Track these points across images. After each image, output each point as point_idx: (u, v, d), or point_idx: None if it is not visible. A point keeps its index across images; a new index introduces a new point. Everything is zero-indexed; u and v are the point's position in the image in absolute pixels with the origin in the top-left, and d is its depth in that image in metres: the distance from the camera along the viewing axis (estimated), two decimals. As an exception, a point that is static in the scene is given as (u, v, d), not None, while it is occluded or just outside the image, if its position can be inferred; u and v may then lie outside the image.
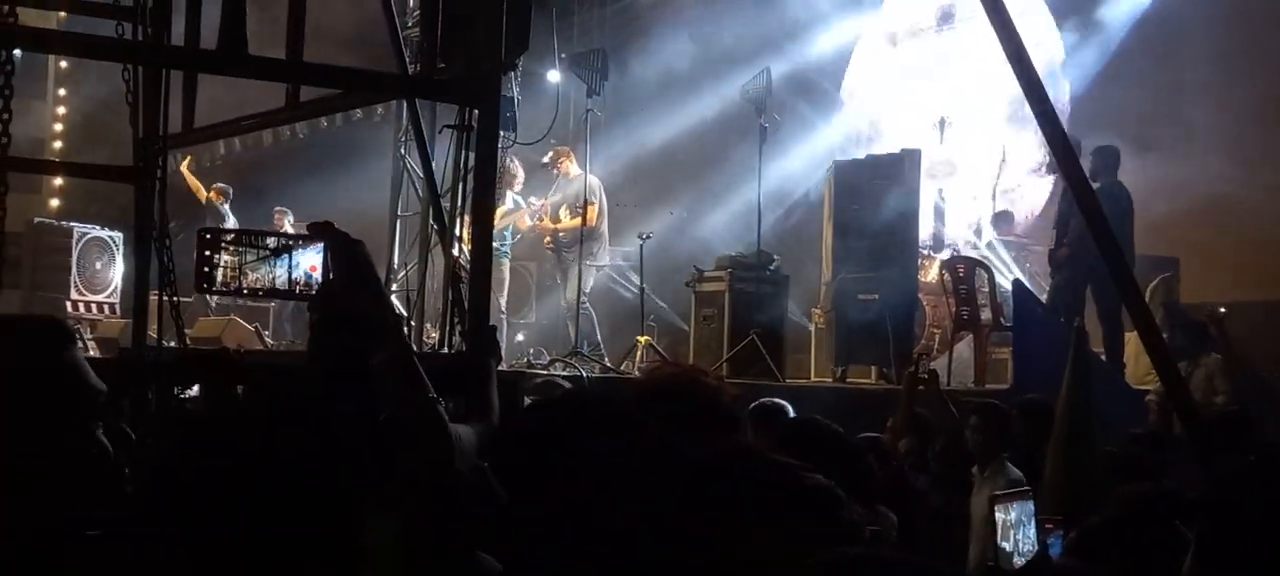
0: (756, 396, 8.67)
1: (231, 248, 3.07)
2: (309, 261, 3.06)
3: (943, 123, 16.62)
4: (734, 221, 15.39)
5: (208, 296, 16.26)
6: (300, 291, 3.07)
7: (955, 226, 15.60)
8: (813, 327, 13.54)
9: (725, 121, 16.05)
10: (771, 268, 12.49)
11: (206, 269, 3.04)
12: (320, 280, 3.04)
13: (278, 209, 16.64)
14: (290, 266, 3.05)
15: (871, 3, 17.60)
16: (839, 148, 16.41)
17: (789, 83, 15.68)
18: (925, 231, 13.94)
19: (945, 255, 14.05)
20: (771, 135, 13.42)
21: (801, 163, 16.26)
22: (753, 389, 9.91)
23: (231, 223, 15.83)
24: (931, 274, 14.03)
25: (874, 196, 12.12)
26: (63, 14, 9.65)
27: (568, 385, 8.16)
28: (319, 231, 3.02)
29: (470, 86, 4.94)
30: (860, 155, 14.31)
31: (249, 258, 3.07)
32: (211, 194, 16.95)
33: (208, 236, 3.05)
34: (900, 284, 12.07)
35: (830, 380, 12.25)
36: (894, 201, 11.99)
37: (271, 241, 3.08)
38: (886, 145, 15.30)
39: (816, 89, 17.20)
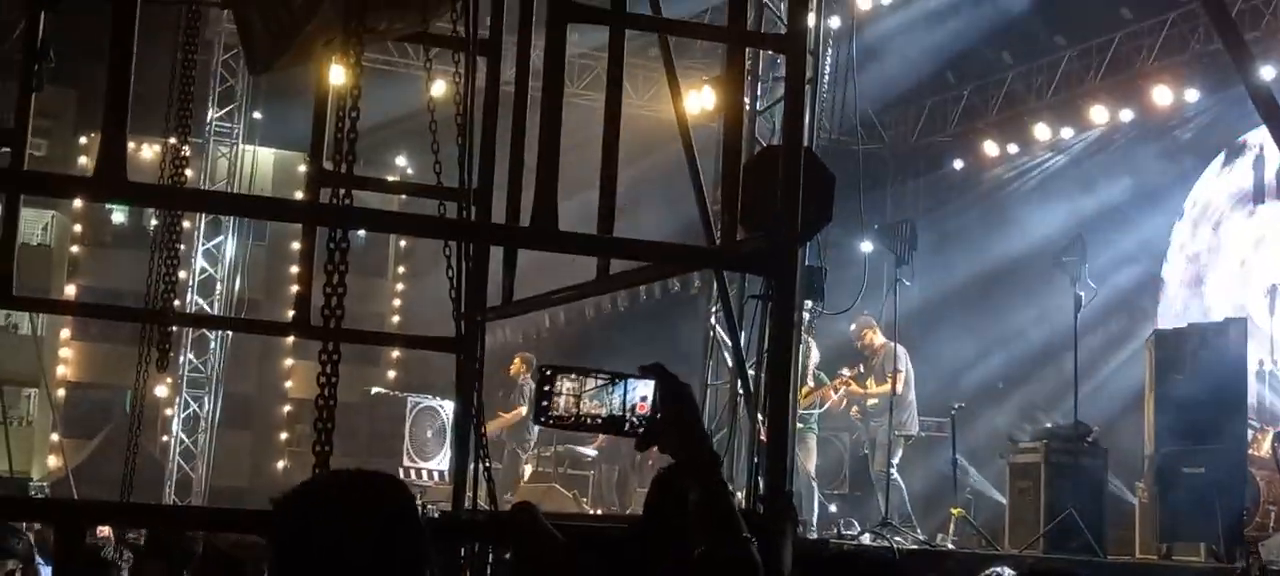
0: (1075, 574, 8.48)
1: (569, 376, 3.25)
2: (641, 395, 3.20)
3: (1274, 290, 15.91)
4: (1047, 391, 15.06)
5: (523, 464, 16.87)
6: (629, 427, 3.21)
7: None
8: (1136, 502, 13.05)
9: (1039, 290, 15.80)
10: (1089, 439, 12.15)
11: (545, 402, 3.22)
12: (648, 417, 3.17)
13: (521, 354, 17.16)
14: (624, 397, 3.20)
15: (1193, 175, 17.11)
16: (1160, 318, 15.91)
17: (1107, 252, 15.37)
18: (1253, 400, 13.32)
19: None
20: (1086, 304, 13.13)
21: (1119, 332, 15.83)
22: (1071, 566, 9.67)
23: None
24: (1264, 448, 13.33)
25: (1197, 366, 11.71)
26: (402, 197, 10.38)
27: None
28: (651, 370, 3.18)
29: (767, 258, 5.10)
30: (1182, 325, 13.84)
31: (587, 386, 3.25)
32: (517, 363, 17.40)
33: (547, 371, 3.24)
34: (1229, 458, 11.56)
35: (1156, 558, 11.76)
36: (1219, 372, 11.55)
37: (606, 376, 3.24)
38: (1212, 315, 14.76)
39: (1135, 258, 16.76)
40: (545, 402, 3.18)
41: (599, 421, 3.20)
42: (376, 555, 2.56)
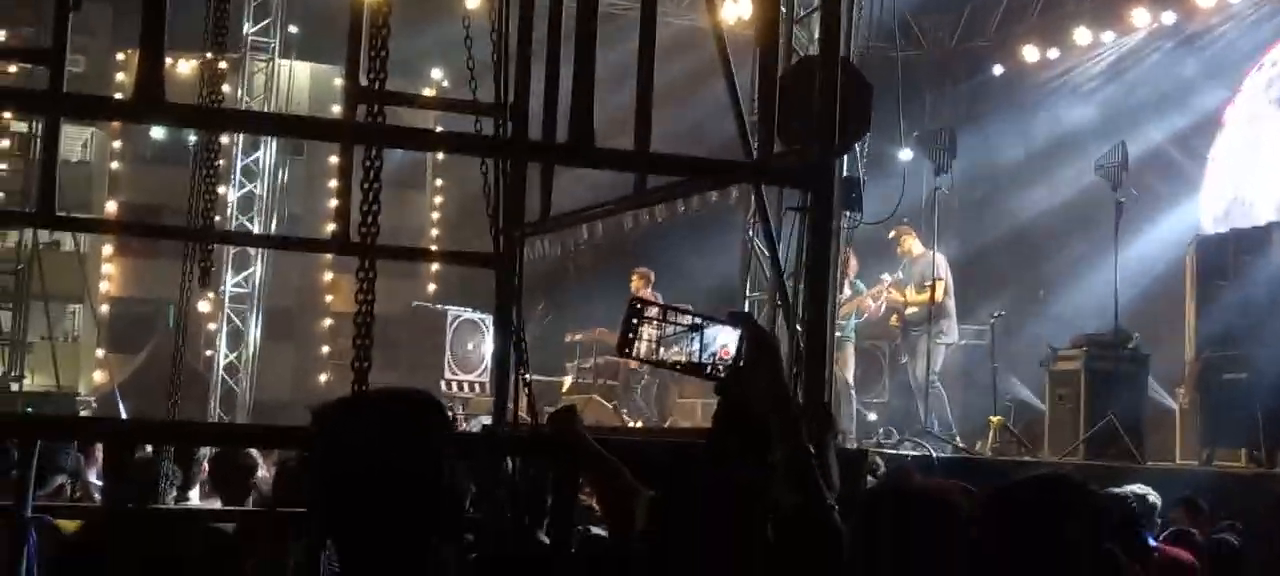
0: (1115, 479, 8.48)
1: (655, 322, 3.24)
2: (723, 342, 3.19)
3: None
4: (1091, 299, 14.99)
5: (567, 375, 16.97)
6: (712, 370, 3.19)
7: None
8: (1177, 408, 13.02)
9: (1079, 197, 15.70)
10: (1130, 346, 12.11)
11: (630, 335, 3.21)
12: (731, 363, 3.14)
13: (638, 270, 17.13)
14: (703, 344, 3.19)
15: (1234, 76, 16.89)
16: (1200, 222, 15.78)
17: (1146, 156, 15.23)
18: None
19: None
20: (1129, 210, 13.03)
21: (1161, 238, 15.71)
22: (1110, 472, 9.69)
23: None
24: (1307, 352, 13.26)
25: (1240, 271, 11.64)
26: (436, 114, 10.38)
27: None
28: (739, 318, 3.16)
29: (804, 171, 5.09)
30: (1225, 229, 13.73)
31: (669, 331, 3.24)
32: (635, 280, 17.24)
33: (637, 305, 3.23)
34: (1270, 363, 11.48)
35: (1197, 463, 11.75)
36: (1261, 277, 11.47)
37: (690, 319, 3.22)
38: (1255, 219, 14.62)
39: (1175, 163, 16.60)
40: (630, 335, 3.18)
41: (680, 365, 3.19)
42: (407, 466, 2.63)
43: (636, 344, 3.21)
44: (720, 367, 3.14)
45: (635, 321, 3.18)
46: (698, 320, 3.20)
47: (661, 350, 3.23)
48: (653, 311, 3.24)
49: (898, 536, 3.22)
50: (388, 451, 2.63)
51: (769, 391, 3.07)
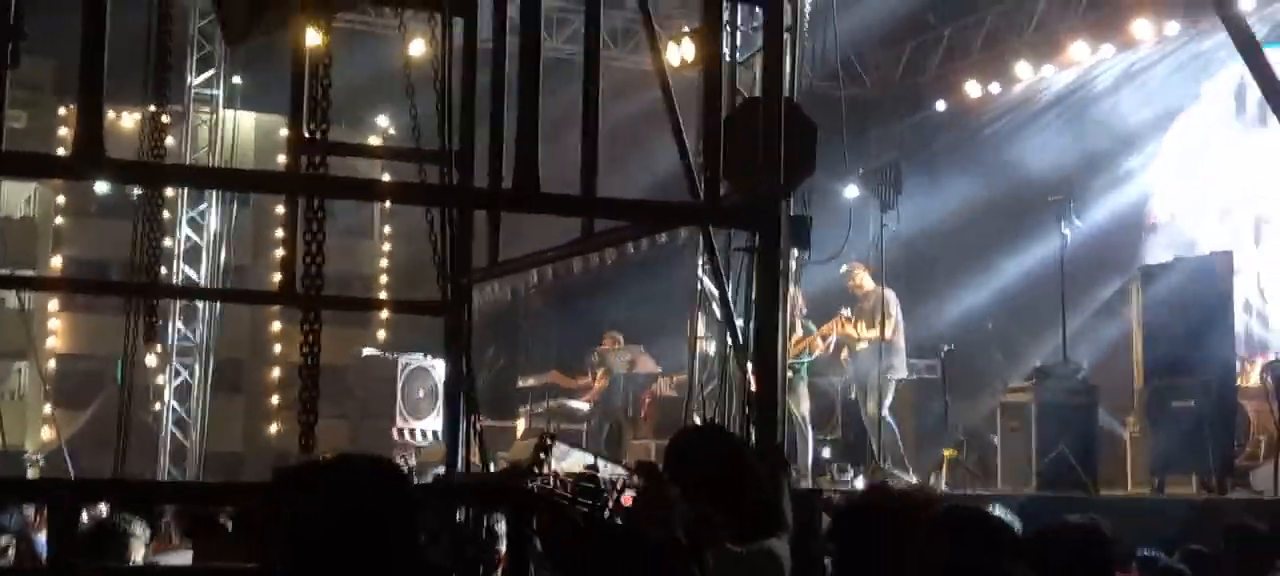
0: (1069, 508, 8.52)
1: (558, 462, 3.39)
2: (628, 488, 3.31)
3: (1259, 223, 15.93)
4: (1038, 331, 15.08)
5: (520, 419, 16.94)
6: (605, 506, 3.33)
7: (1277, 326, 14.88)
8: (1127, 436, 13.11)
9: (1025, 230, 15.81)
10: (1080, 376, 12.20)
11: (536, 469, 3.35)
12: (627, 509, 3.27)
13: (609, 333, 17.14)
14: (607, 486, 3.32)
15: (1174, 106, 17.10)
16: (1145, 251, 15.94)
17: (1092, 189, 15.38)
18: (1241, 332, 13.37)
19: (1271, 357, 13.40)
20: (1073, 241, 13.15)
21: (1106, 267, 15.85)
22: (1064, 502, 9.73)
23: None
24: (1253, 378, 13.40)
25: (1184, 300, 11.75)
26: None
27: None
28: (644, 472, 3.28)
29: (752, 213, 5.11)
30: (1168, 259, 13.87)
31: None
32: (606, 342, 17.29)
33: (547, 441, 3.37)
34: (1218, 390, 11.61)
35: (1148, 491, 11.82)
36: (1206, 305, 11.58)
37: (602, 469, 3.36)
38: (1198, 248, 14.78)
39: (1118, 194, 16.77)
40: (537, 469, 3.30)
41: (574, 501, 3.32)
42: (369, 534, 2.65)
43: (545, 467, 3.35)
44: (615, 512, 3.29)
45: (543, 455, 3.33)
46: (606, 477, 3.35)
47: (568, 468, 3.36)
48: (562, 449, 3.39)
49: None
50: (354, 520, 2.65)
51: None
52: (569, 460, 3.34)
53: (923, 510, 3.70)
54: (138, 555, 6.47)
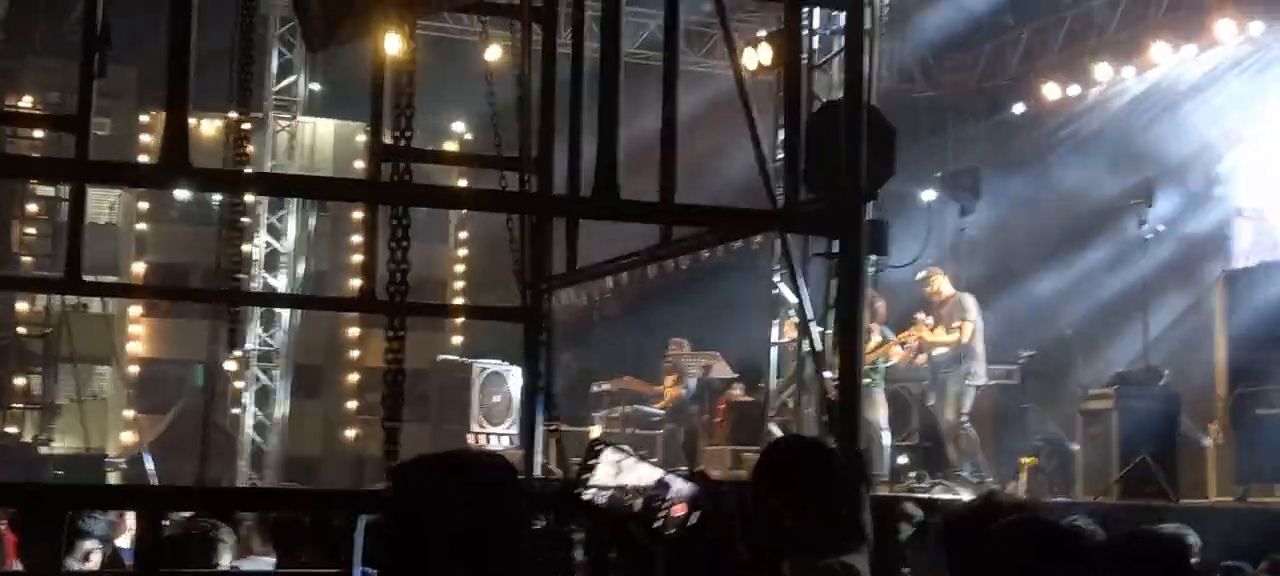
0: (1150, 517, 8.40)
1: (615, 466, 3.32)
2: (681, 497, 3.24)
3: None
4: (1119, 337, 14.89)
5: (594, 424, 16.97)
6: (655, 525, 3.27)
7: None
8: (1209, 444, 12.90)
9: (1105, 234, 15.62)
10: (1161, 383, 12.02)
11: (584, 475, 3.30)
12: (680, 522, 3.22)
13: (675, 340, 17.13)
14: (662, 496, 3.26)
15: (1260, 107, 16.83)
16: (1229, 256, 15.68)
17: (1174, 192, 15.16)
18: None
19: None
20: (1155, 245, 12.97)
21: (1189, 272, 15.62)
22: (1146, 511, 9.59)
23: None
24: (1344, 383, 13.15)
25: (1270, 306, 11.55)
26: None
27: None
28: (697, 481, 3.23)
29: (832, 218, 5.07)
30: (1253, 263, 13.65)
31: (627, 480, 3.31)
32: (673, 347, 17.23)
33: (596, 448, 3.32)
34: (1307, 395, 11.40)
35: (1231, 500, 11.63)
36: (1293, 309, 11.39)
37: (654, 472, 3.30)
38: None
39: (1201, 198, 16.52)
40: (585, 475, 3.25)
41: (624, 516, 3.27)
42: (480, 525, 2.65)
43: (590, 477, 3.28)
44: (667, 525, 3.21)
45: (592, 461, 3.26)
46: (661, 477, 3.26)
47: (622, 477, 3.28)
48: (614, 456, 3.30)
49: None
50: (470, 513, 2.66)
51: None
52: (633, 471, 3.27)
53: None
54: (224, 561, 6.52)
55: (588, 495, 3.30)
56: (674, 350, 16.89)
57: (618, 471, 3.29)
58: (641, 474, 3.27)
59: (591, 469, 3.27)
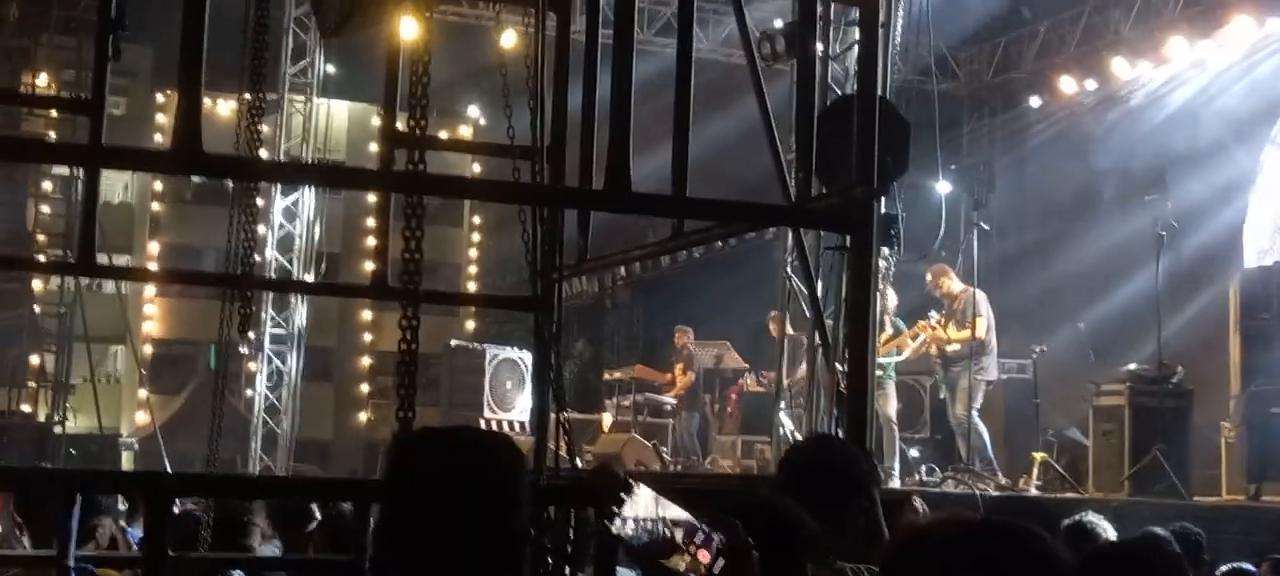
0: (1162, 514, 8.38)
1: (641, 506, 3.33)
2: (706, 538, 3.24)
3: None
4: (1131, 333, 14.84)
5: (606, 412, 16.97)
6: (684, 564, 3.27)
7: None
8: (1222, 442, 12.85)
9: (1119, 229, 15.57)
10: (1174, 380, 11.98)
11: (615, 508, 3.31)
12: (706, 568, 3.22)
13: (680, 328, 17.13)
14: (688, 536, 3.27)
15: (1277, 104, 16.76)
16: (1244, 254, 15.62)
17: (1189, 188, 15.10)
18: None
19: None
20: (1170, 242, 12.91)
21: (1203, 270, 15.56)
22: (1159, 509, 9.57)
23: None
24: (1358, 384, 13.09)
25: (1286, 304, 11.52)
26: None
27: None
28: (726, 525, 3.23)
29: (843, 213, 5.05)
30: (1269, 262, 13.59)
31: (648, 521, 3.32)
32: (677, 335, 17.24)
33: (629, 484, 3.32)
34: (1318, 395, 11.37)
35: (1243, 498, 11.59)
36: (1309, 308, 11.34)
37: (680, 515, 3.30)
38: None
39: (1217, 195, 16.46)
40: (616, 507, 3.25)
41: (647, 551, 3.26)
42: (483, 505, 2.60)
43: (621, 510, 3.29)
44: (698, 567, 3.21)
45: (621, 502, 3.26)
46: (690, 519, 3.27)
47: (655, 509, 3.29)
48: (648, 496, 3.31)
49: None
50: (467, 485, 2.60)
51: None
52: (669, 508, 3.29)
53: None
54: (255, 542, 6.53)
55: (619, 527, 3.28)
56: (679, 338, 16.89)
57: (657, 504, 3.30)
58: (676, 513, 3.28)
59: (622, 502, 3.27)
